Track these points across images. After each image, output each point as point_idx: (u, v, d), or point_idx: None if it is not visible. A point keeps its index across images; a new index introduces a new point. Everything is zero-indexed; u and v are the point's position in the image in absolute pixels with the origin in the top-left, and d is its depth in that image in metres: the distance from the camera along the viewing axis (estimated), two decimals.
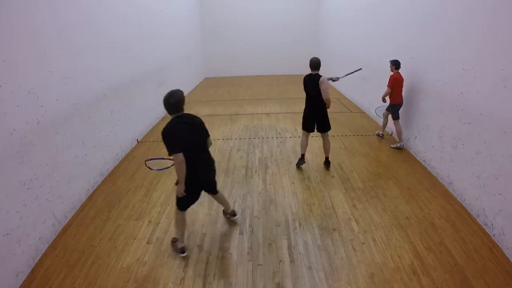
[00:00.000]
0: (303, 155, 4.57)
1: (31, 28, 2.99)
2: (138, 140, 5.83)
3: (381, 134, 5.72)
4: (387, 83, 5.02)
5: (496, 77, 3.12)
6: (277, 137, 5.92)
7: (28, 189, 2.86)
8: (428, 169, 4.51)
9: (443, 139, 4.13)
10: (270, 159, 4.97)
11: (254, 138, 5.92)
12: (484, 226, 3.27)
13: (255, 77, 12.92)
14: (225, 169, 4.63)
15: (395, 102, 5.05)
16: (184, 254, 2.90)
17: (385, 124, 5.60)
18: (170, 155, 2.58)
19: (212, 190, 3.15)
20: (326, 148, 4.53)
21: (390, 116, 5.26)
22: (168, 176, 4.46)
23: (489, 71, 3.25)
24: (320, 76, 4.12)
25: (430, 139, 4.49)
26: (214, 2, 12.57)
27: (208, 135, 2.91)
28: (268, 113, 7.56)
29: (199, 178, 2.81)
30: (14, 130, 2.72)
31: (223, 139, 5.85)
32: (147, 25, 6.46)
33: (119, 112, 5.01)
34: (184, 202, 2.83)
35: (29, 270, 2.79)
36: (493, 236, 3.11)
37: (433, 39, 4.40)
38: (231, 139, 5.89)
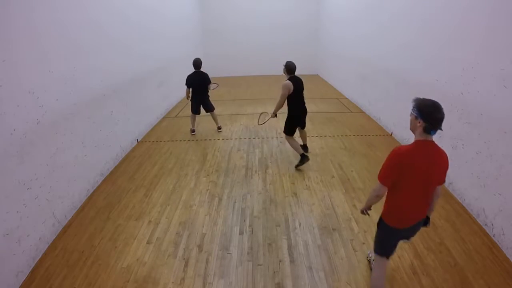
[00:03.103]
0: (302, 154, 4.55)
1: (31, 28, 2.99)
2: (138, 140, 5.83)
3: None
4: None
5: (496, 77, 3.12)
6: (277, 137, 5.92)
7: (28, 189, 2.86)
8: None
9: (443, 139, 4.13)
10: (270, 159, 4.97)
11: (254, 138, 5.92)
12: (484, 226, 3.27)
13: (255, 77, 12.92)
14: (225, 169, 4.63)
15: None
16: None
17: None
18: None
19: None
20: (305, 137, 5.06)
21: None
22: (168, 176, 4.46)
23: (489, 71, 3.25)
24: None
25: None
26: (214, 2, 12.57)
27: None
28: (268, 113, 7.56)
29: None
30: (14, 130, 2.72)
31: (223, 139, 5.85)
32: (147, 25, 6.46)
33: (119, 112, 5.01)
34: None
35: (29, 270, 2.79)
36: (493, 236, 3.11)
37: (433, 39, 4.40)
38: (231, 139, 5.89)
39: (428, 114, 1.76)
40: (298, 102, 4.44)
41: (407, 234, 2.15)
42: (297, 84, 4.32)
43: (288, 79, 4.28)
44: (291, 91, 4.23)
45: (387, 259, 2.20)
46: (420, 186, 1.91)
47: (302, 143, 5.05)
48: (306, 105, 4.60)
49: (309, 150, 5.18)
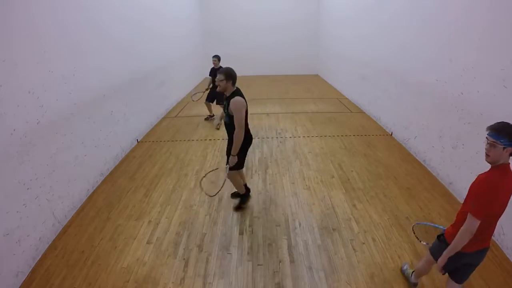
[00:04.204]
0: (245, 193, 3.68)
1: (31, 28, 2.99)
2: (138, 140, 5.83)
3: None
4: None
5: (496, 77, 3.12)
6: (277, 137, 5.92)
7: (28, 189, 2.86)
8: (428, 169, 4.51)
9: (443, 139, 4.14)
10: (270, 159, 4.97)
11: (254, 138, 5.91)
12: None
13: (255, 77, 12.92)
14: (225, 169, 4.62)
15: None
16: None
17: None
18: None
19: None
20: (244, 175, 3.88)
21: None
22: (168, 176, 4.46)
23: (489, 71, 3.25)
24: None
25: (430, 139, 4.49)
26: (214, 2, 12.56)
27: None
28: (268, 113, 7.56)
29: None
30: (14, 130, 2.72)
31: (223, 139, 5.85)
32: (147, 25, 6.46)
33: (119, 112, 5.01)
34: None
35: (29, 270, 2.79)
36: (493, 236, 3.11)
37: (433, 39, 4.40)
38: None
39: None
40: (247, 122, 3.19)
41: (471, 260, 2.04)
42: (246, 104, 3.08)
43: (236, 93, 3.02)
44: (246, 110, 3.05)
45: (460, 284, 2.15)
46: (498, 212, 1.83)
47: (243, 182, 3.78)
48: None
49: (309, 150, 5.17)
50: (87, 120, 4.03)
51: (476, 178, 1.80)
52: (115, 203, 3.80)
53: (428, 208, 3.59)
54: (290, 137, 5.90)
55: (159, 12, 7.37)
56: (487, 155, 1.75)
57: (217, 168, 4.18)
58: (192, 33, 11.10)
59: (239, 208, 3.66)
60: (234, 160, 3.11)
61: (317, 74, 13.29)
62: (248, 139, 3.24)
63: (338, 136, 5.91)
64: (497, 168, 1.74)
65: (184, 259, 2.90)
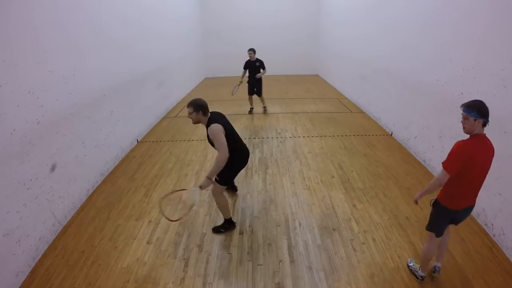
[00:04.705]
0: (230, 219, 3.31)
1: (31, 28, 2.99)
2: (138, 140, 5.83)
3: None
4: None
5: (496, 77, 3.12)
6: (277, 137, 5.92)
7: (28, 189, 2.86)
8: (428, 169, 4.51)
9: (443, 139, 4.13)
10: (270, 159, 4.97)
11: (254, 138, 5.92)
12: (484, 226, 3.27)
13: None
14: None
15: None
16: None
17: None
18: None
19: None
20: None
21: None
22: (168, 176, 4.46)
23: (489, 71, 3.25)
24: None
25: (430, 139, 4.49)
26: (214, 2, 12.56)
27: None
28: (268, 113, 7.56)
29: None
30: (14, 130, 2.72)
31: None
32: (147, 25, 6.46)
33: (119, 112, 5.01)
34: None
35: (29, 270, 2.79)
36: (493, 236, 3.11)
37: (433, 39, 4.40)
38: None
39: (486, 112, 2.05)
40: (239, 139, 3.16)
41: (457, 217, 2.41)
42: (224, 119, 3.04)
43: (210, 120, 2.89)
44: (224, 132, 2.87)
45: (436, 237, 2.45)
46: (478, 174, 2.18)
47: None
48: None
49: (309, 150, 5.16)
50: (87, 120, 4.02)
51: (455, 143, 2.15)
52: (115, 203, 3.80)
53: (428, 208, 3.56)
54: (290, 137, 5.90)
55: (159, 12, 7.37)
56: (463, 127, 2.13)
57: (184, 189, 3.70)
58: (192, 33, 11.10)
59: (217, 231, 3.25)
60: (207, 183, 2.83)
61: (317, 74, 13.29)
62: (243, 157, 3.15)
63: (338, 136, 5.91)
64: (474, 137, 2.11)
65: (184, 259, 2.90)
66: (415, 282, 2.59)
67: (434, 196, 2.45)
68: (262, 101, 7.59)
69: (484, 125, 2.09)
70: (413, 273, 2.66)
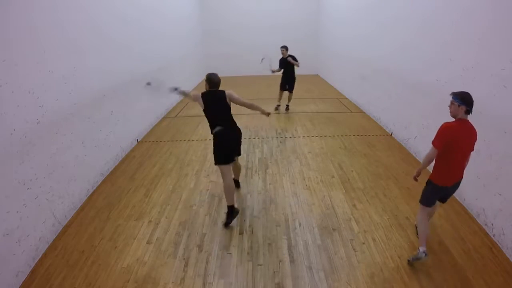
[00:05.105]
0: (231, 207, 3.34)
1: (31, 28, 2.99)
2: (138, 140, 5.83)
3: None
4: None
5: (496, 77, 3.12)
6: (277, 137, 5.92)
7: (28, 189, 2.86)
8: (428, 169, 4.50)
9: None
10: (270, 159, 4.97)
11: (254, 138, 5.92)
12: (484, 226, 3.27)
13: (255, 77, 12.91)
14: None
15: None
16: None
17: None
18: None
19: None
20: (237, 174, 3.98)
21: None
22: (168, 176, 4.46)
23: (489, 71, 3.25)
24: (224, 91, 3.38)
25: (430, 139, 4.46)
26: (214, 2, 12.56)
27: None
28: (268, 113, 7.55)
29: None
30: (14, 130, 2.72)
31: None
32: (147, 25, 6.46)
33: (119, 112, 5.01)
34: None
35: (29, 270, 2.79)
36: (493, 236, 3.11)
37: (433, 39, 4.40)
38: None
39: (468, 101, 2.47)
40: (213, 120, 3.40)
41: (447, 192, 2.81)
42: (209, 96, 3.34)
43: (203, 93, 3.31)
44: (202, 106, 3.30)
45: (428, 207, 2.83)
46: (462, 153, 2.58)
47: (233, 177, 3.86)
48: (234, 124, 3.61)
49: (309, 150, 5.17)
50: (87, 120, 4.02)
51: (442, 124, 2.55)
52: (115, 203, 3.80)
53: None
54: (290, 137, 5.90)
55: (159, 12, 7.37)
56: (450, 111, 2.59)
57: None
58: (192, 33, 11.10)
59: (227, 223, 3.34)
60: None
61: (317, 74, 13.29)
62: (216, 138, 3.37)
63: (338, 136, 5.91)
64: (458, 120, 2.54)
65: (184, 259, 2.90)
66: (415, 282, 2.59)
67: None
68: (289, 99, 7.72)
69: (466, 112, 2.49)
70: (417, 259, 2.69)
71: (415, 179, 2.80)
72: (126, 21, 5.36)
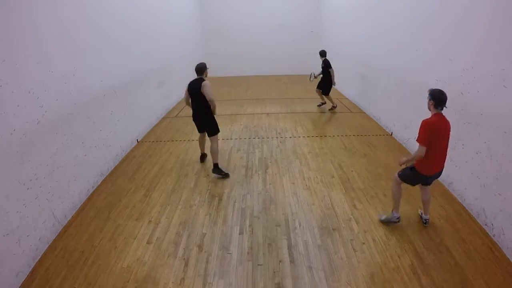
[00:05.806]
0: (202, 154, 4.90)
1: (31, 28, 2.99)
2: (138, 140, 5.83)
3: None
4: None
5: (496, 77, 3.12)
6: (277, 137, 5.92)
7: (28, 189, 2.86)
8: None
9: None
10: (270, 159, 4.97)
11: (254, 138, 5.92)
12: (484, 226, 3.27)
13: (255, 77, 12.91)
14: (225, 169, 4.63)
15: None
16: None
17: None
18: None
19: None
20: (212, 152, 4.39)
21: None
22: (168, 176, 4.46)
23: (489, 71, 3.25)
24: (203, 80, 4.18)
25: None
26: (214, 2, 12.56)
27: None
28: (268, 113, 7.56)
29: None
30: (14, 130, 2.72)
31: (223, 139, 5.85)
32: (147, 25, 6.46)
33: (119, 112, 5.01)
34: None
35: (29, 270, 2.79)
36: (493, 236, 3.11)
37: (433, 39, 4.40)
38: (231, 139, 5.89)
39: (435, 96, 2.79)
40: (192, 102, 4.35)
41: (429, 181, 3.08)
42: (193, 83, 4.24)
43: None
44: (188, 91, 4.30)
45: (401, 182, 3.15)
46: (442, 143, 2.85)
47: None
48: (204, 111, 4.31)
49: (309, 150, 5.16)
50: (87, 120, 4.02)
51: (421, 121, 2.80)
52: (115, 203, 3.80)
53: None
54: (290, 137, 5.90)
55: (159, 12, 7.37)
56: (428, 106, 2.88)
57: None
58: (192, 33, 11.09)
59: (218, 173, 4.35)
60: None
61: None
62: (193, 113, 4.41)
63: (338, 136, 5.91)
64: (434, 115, 2.82)
65: (184, 259, 2.90)
66: (415, 282, 2.59)
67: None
68: (328, 99, 7.81)
69: (435, 106, 2.79)
70: (390, 222, 3.24)
71: (400, 164, 3.06)
72: (126, 21, 5.36)
